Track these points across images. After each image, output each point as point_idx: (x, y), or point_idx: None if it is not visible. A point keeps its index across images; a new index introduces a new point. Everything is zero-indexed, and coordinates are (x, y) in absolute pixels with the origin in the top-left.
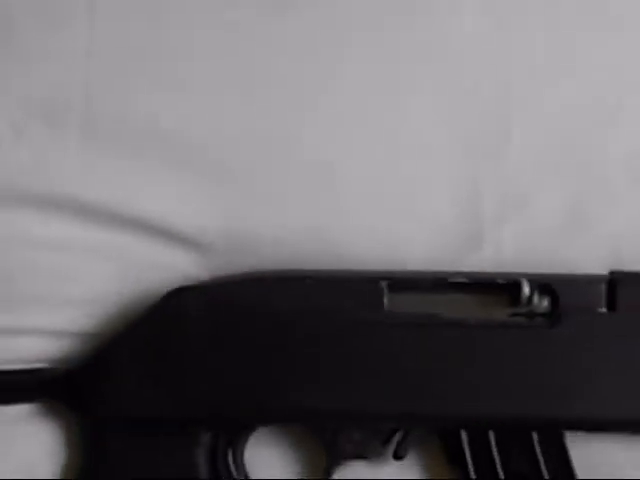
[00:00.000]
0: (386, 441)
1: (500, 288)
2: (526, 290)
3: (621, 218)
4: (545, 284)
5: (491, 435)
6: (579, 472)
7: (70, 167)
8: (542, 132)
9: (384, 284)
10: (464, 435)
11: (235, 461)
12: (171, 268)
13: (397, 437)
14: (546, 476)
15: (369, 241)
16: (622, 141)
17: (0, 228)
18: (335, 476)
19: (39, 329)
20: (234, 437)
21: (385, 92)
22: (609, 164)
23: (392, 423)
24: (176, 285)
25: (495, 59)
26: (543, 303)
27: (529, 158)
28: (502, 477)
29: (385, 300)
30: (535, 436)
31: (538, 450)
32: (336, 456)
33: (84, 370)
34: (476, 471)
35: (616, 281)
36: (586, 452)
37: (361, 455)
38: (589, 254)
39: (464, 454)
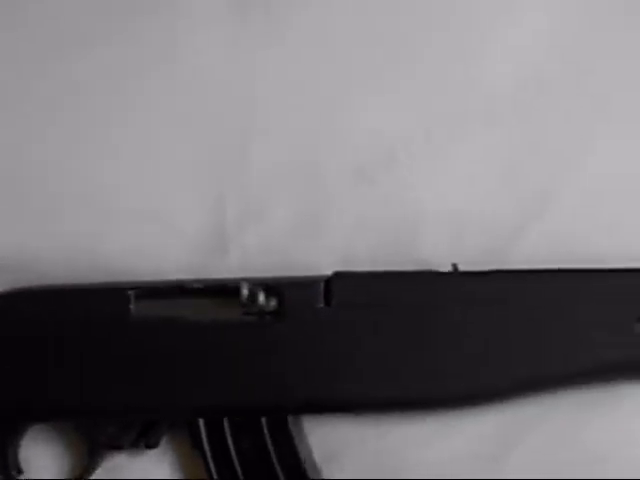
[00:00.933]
0: (140, 432)
1: (233, 291)
2: (245, 292)
3: (347, 225)
4: (272, 286)
5: (225, 422)
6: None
7: None
8: (276, 149)
9: (131, 293)
10: (201, 423)
11: (9, 459)
12: None
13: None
14: (273, 456)
15: (130, 255)
16: (348, 158)
17: None
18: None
19: None
20: (7, 436)
21: (132, 118)
22: (334, 178)
23: (138, 415)
24: None
25: (240, 83)
26: (271, 303)
27: (266, 172)
28: (235, 459)
29: (132, 307)
30: (264, 422)
31: (266, 433)
32: (94, 448)
33: None
34: (213, 455)
35: (332, 280)
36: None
37: (117, 446)
38: (321, 257)
39: (202, 441)
